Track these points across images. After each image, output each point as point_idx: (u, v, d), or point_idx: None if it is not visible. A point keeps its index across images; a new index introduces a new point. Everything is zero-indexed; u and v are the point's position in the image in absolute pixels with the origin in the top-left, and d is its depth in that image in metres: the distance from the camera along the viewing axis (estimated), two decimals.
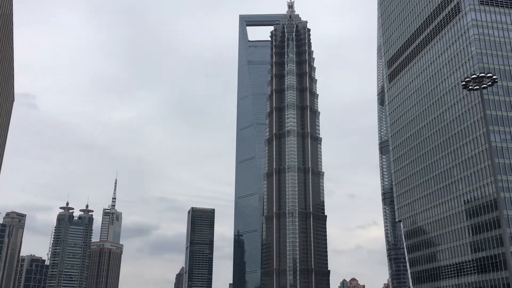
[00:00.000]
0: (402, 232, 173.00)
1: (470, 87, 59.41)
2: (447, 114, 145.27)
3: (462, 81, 59.81)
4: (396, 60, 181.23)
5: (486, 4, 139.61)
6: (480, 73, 58.43)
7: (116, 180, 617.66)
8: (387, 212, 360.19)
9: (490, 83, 58.34)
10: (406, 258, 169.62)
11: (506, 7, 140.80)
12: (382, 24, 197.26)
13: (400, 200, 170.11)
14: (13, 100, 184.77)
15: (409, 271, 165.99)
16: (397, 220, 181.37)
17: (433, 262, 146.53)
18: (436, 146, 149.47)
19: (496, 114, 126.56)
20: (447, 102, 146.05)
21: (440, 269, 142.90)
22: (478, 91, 76.65)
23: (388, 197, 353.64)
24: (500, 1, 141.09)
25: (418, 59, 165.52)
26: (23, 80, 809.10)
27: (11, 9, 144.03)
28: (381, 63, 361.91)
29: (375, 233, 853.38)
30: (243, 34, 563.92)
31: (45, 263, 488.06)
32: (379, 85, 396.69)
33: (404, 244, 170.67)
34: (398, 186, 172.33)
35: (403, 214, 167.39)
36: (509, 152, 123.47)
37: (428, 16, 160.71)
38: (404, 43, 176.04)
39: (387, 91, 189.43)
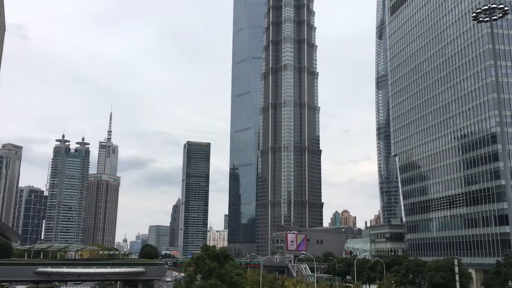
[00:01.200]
0: (397, 166, 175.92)
1: (480, 18, 57.91)
2: (450, 47, 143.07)
3: (473, 12, 58.24)
4: None
5: None
6: (491, 5, 56.80)
7: (111, 113, 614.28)
8: (381, 146, 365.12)
9: (501, 14, 56.84)
10: (400, 191, 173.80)
11: None
12: None
13: (397, 134, 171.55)
14: (5, 30, 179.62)
15: (402, 203, 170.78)
16: (392, 154, 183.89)
17: (426, 195, 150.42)
18: (436, 81, 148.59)
19: (499, 48, 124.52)
20: (450, 35, 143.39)
21: (432, 201, 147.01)
22: (484, 23, 75.10)
23: (382, 132, 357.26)
24: None
25: None
26: (14, 10, 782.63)
27: None
28: None
29: (367, 167, 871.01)
30: None
31: (44, 194, 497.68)
32: (378, 18, 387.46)
33: (399, 178, 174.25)
34: (395, 121, 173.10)
35: (399, 148, 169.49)
36: (510, 87, 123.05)
37: None
38: None
39: (389, 24, 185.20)
